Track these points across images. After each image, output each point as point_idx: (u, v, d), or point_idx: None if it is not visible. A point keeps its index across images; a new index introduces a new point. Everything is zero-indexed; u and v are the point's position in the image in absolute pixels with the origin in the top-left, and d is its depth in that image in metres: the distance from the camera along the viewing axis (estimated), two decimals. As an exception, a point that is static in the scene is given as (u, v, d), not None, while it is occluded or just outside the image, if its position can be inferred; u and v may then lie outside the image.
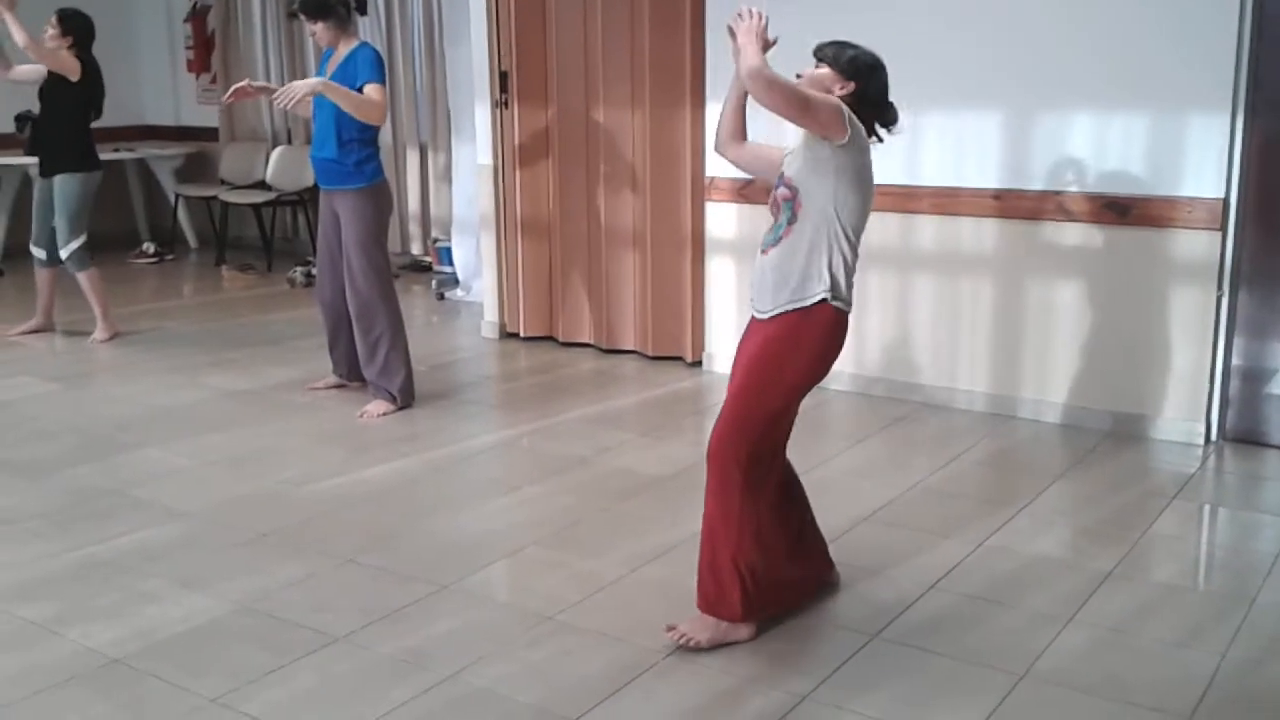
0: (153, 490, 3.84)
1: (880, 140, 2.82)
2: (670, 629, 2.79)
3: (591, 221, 5.64)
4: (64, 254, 5.82)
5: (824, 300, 2.70)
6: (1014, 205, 4.45)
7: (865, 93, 2.74)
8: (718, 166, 5.12)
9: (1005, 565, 3.25)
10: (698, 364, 5.40)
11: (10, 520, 3.60)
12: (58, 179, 5.77)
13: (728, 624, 2.77)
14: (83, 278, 5.88)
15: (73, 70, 5.62)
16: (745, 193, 5.01)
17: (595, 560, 3.29)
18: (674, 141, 5.29)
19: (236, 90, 4.63)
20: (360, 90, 4.44)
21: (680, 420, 4.72)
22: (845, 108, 2.68)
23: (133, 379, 5.30)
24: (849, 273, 2.74)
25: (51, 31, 5.66)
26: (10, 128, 7.39)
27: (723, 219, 5.19)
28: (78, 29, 5.67)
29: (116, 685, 2.63)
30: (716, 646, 2.76)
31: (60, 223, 5.79)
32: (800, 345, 2.73)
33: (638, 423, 4.66)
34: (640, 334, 5.58)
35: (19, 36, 5.41)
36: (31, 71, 5.73)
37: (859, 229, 2.75)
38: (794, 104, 2.59)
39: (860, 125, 2.71)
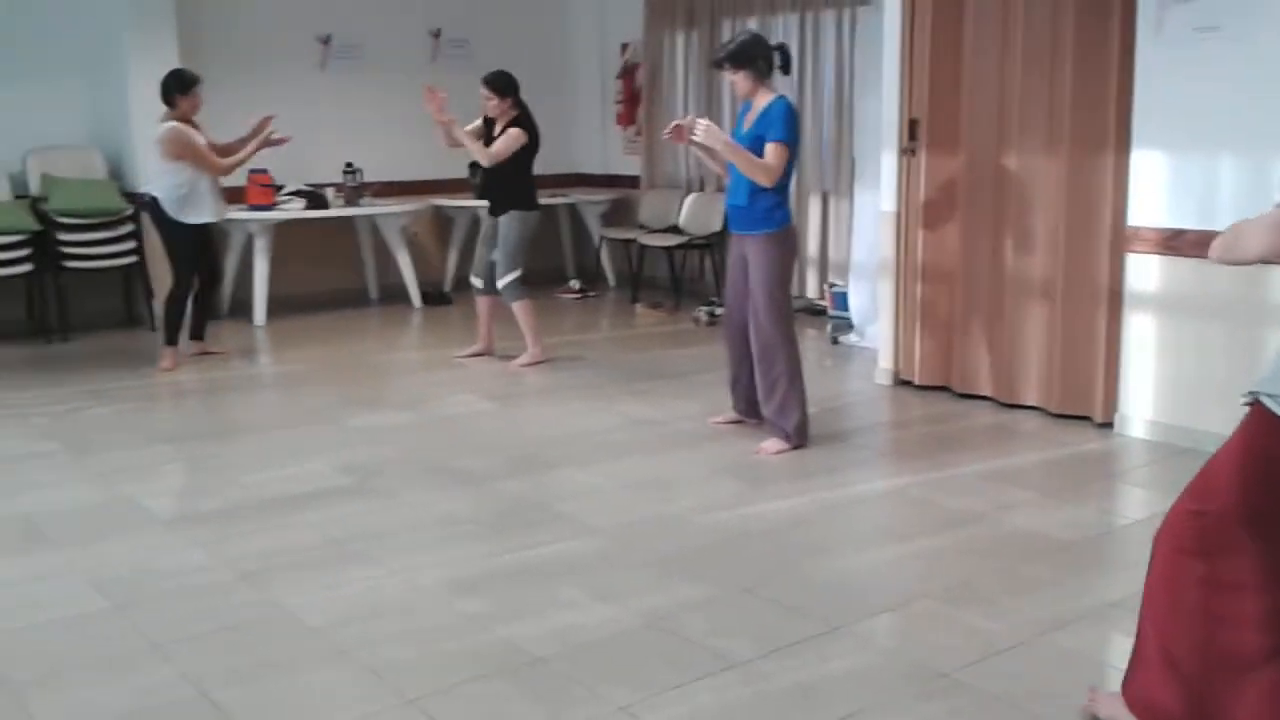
0: (572, 505, 4.19)
1: None
2: (1091, 690, 2.66)
3: (996, 269, 5.49)
4: (501, 284, 6.41)
5: (1257, 399, 2.27)
6: None
7: None
8: (1142, 215, 4.84)
9: None
10: (1108, 425, 5.09)
11: (452, 523, 4.06)
12: (503, 217, 6.41)
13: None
14: (517, 308, 6.47)
15: (519, 142, 6.18)
16: (1174, 244, 4.69)
17: (992, 621, 3.20)
18: (1093, 188, 5.04)
19: (678, 127, 4.79)
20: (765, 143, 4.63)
21: (1088, 484, 4.46)
22: None
23: (557, 402, 5.80)
24: None
25: (493, 101, 6.24)
26: (464, 174, 8.42)
27: (1145, 272, 4.88)
28: (511, 86, 6.24)
29: (536, 683, 2.89)
30: None
31: (501, 256, 6.41)
32: (1243, 438, 2.31)
33: (1039, 483, 4.47)
34: (1044, 389, 5.35)
35: (472, 149, 6.12)
36: (471, 138, 6.27)
37: None
38: None
39: None
